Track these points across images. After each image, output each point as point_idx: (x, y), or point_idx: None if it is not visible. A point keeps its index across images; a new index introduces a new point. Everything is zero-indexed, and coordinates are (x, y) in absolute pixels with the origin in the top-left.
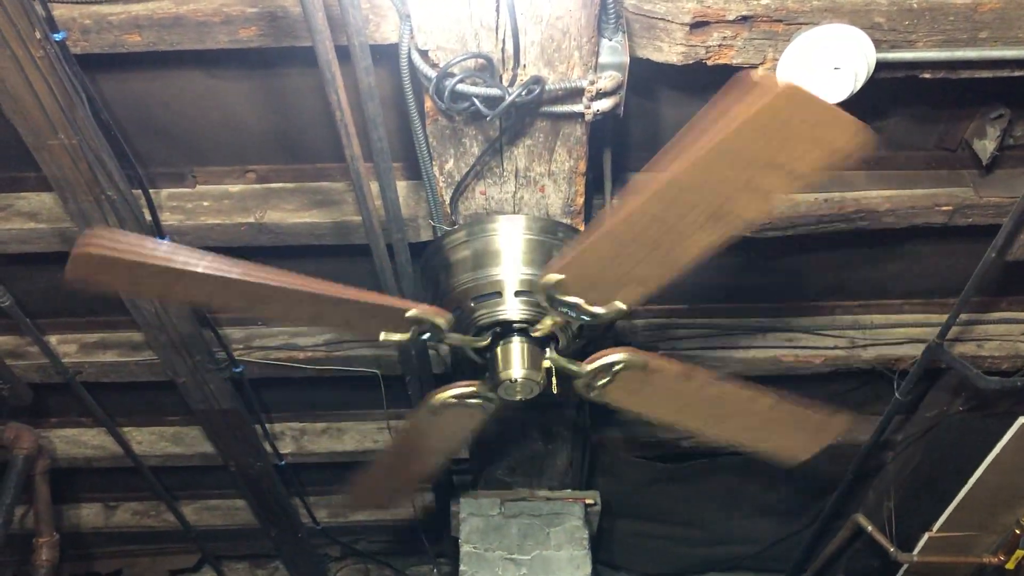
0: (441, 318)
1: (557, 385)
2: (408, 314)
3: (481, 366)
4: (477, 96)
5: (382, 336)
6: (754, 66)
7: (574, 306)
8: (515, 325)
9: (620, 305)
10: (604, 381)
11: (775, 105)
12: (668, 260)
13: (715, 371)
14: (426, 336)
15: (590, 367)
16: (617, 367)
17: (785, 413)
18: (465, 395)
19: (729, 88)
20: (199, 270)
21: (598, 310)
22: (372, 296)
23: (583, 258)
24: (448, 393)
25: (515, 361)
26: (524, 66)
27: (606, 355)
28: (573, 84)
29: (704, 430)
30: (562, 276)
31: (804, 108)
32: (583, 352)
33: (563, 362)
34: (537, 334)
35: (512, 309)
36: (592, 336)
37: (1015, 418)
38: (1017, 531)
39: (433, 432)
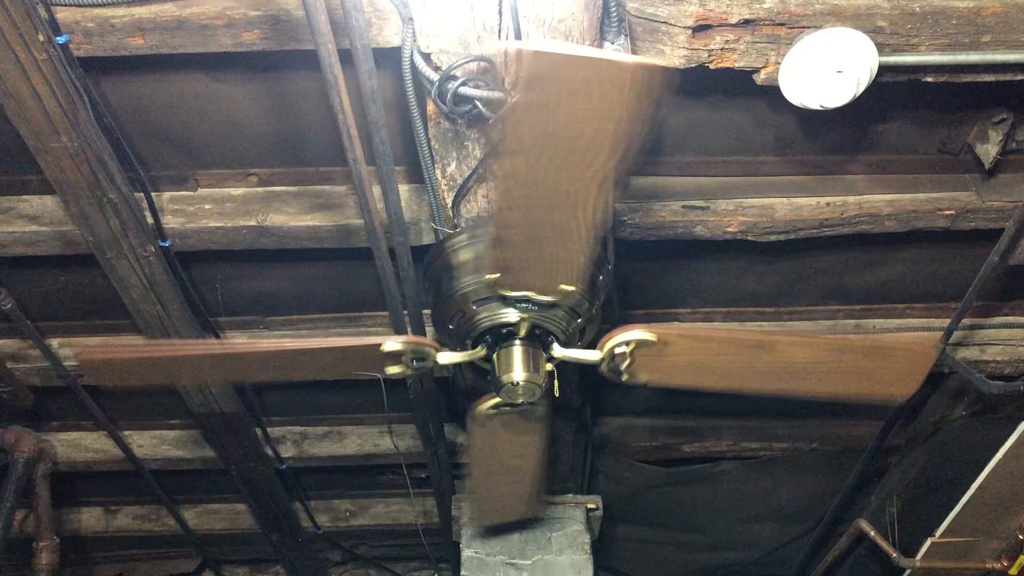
0: (423, 345)
1: (559, 388)
2: (383, 348)
3: (487, 370)
4: (479, 99)
5: (388, 371)
6: (756, 70)
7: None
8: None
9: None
10: (627, 363)
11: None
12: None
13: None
14: (418, 365)
15: (603, 353)
16: (630, 346)
17: (867, 350)
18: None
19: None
20: (185, 353)
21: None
22: (345, 340)
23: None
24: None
25: (516, 364)
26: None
27: (610, 338)
28: None
29: (769, 388)
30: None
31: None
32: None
33: (574, 354)
34: (559, 356)
35: (512, 311)
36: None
37: (1018, 423)
38: (1021, 536)
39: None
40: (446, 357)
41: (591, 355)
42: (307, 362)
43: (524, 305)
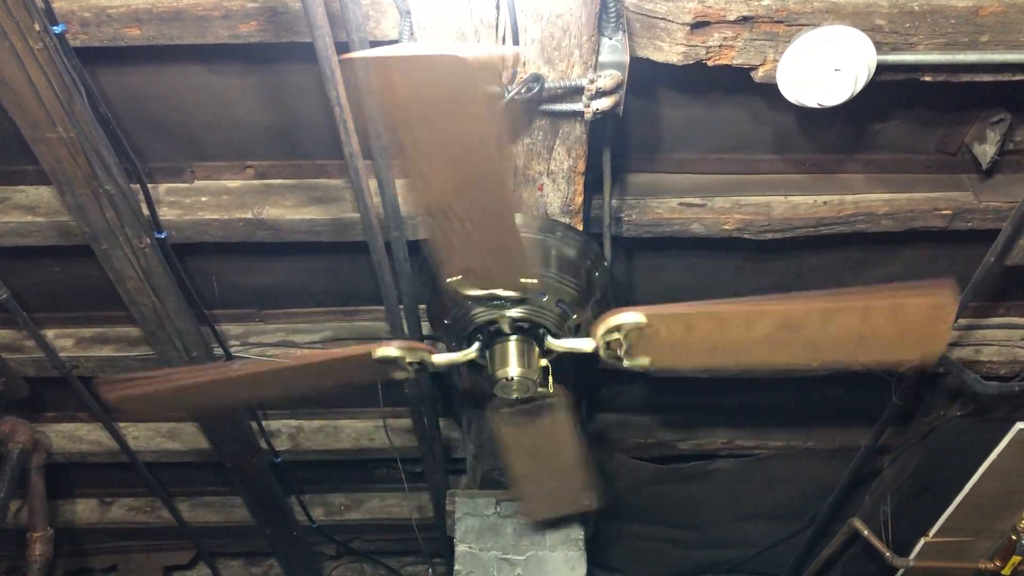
0: (417, 349)
1: (553, 384)
2: (375, 355)
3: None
4: None
5: (385, 376)
6: (754, 68)
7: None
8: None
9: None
10: (624, 349)
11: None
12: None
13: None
14: (414, 366)
15: (597, 340)
16: (623, 331)
17: (892, 304)
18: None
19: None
20: (196, 380)
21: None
22: (338, 352)
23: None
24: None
25: (511, 359)
26: (524, 64)
27: (600, 324)
28: (573, 82)
29: (791, 360)
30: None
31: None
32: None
33: (568, 344)
34: (554, 349)
35: (510, 308)
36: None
37: (1012, 423)
38: (1014, 536)
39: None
40: (441, 359)
41: (585, 343)
42: (309, 375)
43: (498, 303)
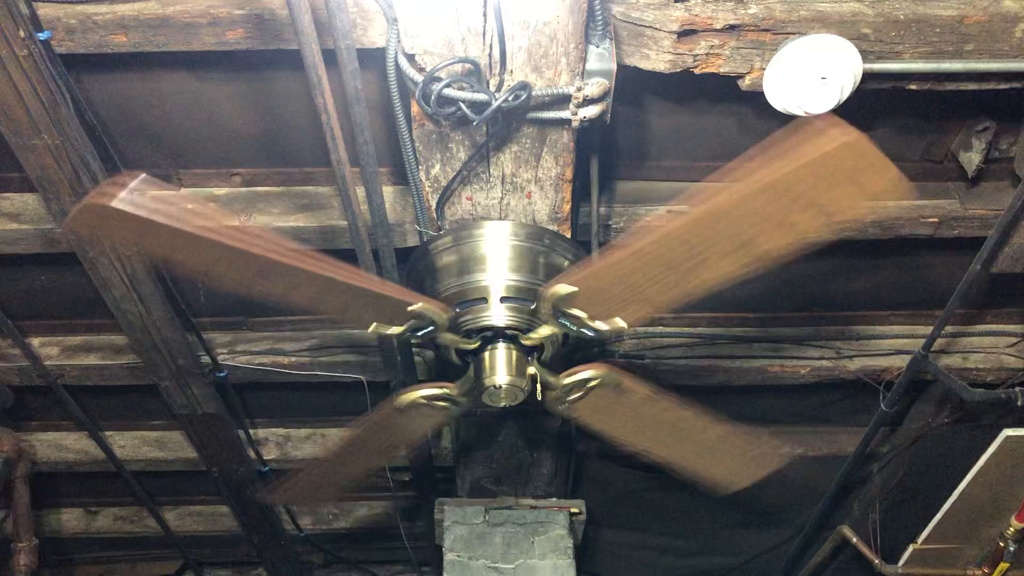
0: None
1: (541, 392)
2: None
3: (461, 370)
4: (464, 101)
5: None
6: (741, 76)
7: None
8: (500, 331)
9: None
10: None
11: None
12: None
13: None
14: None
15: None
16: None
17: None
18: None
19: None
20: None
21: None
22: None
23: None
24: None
25: (500, 367)
26: (511, 71)
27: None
28: (560, 90)
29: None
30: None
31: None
32: (566, 363)
33: (542, 372)
34: (528, 343)
35: (498, 315)
36: (576, 347)
37: (999, 430)
38: (1001, 544)
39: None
40: (448, 337)
41: (547, 328)
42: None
43: (566, 322)
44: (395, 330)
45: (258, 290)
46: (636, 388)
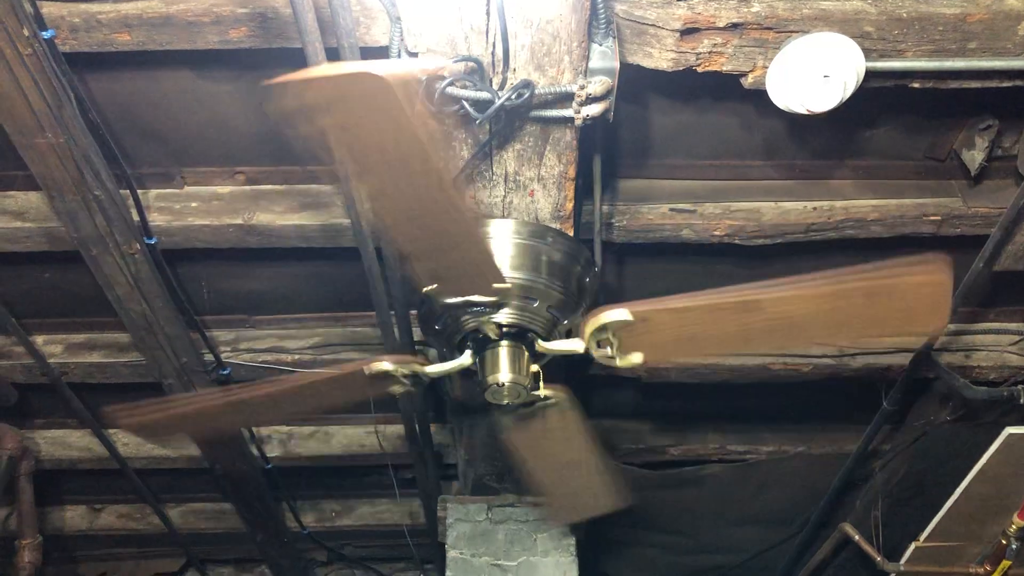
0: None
1: (544, 388)
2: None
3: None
4: (466, 99)
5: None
6: (743, 74)
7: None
8: (503, 329)
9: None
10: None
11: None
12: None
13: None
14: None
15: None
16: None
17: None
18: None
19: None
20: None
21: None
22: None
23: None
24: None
25: (502, 365)
26: (514, 70)
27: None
28: (563, 88)
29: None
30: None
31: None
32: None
33: (558, 346)
34: (543, 350)
35: (500, 313)
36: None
37: (1002, 428)
38: (1003, 541)
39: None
40: (434, 369)
41: (574, 344)
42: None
43: (478, 309)
44: (398, 389)
45: (261, 423)
46: (663, 307)
